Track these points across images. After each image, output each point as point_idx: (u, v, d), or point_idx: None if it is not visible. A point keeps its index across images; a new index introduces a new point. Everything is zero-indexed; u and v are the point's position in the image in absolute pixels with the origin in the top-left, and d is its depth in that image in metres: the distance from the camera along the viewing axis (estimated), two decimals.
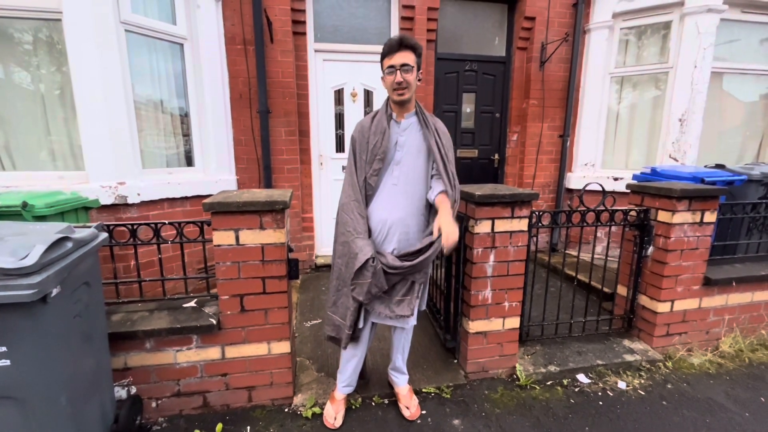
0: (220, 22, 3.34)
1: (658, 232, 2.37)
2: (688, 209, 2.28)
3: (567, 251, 4.24)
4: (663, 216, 2.34)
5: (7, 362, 1.16)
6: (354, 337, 1.80)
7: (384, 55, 1.63)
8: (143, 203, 2.79)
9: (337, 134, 4.02)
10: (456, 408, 2.01)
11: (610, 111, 4.26)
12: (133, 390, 1.84)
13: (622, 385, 2.21)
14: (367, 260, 1.61)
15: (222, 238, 1.77)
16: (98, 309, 1.57)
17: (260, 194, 1.87)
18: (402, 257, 1.66)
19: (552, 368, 2.27)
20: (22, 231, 1.31)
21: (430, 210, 1.80)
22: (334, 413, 1.89)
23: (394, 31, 3.92)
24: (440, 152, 1.69)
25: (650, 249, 2.42)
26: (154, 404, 1.89)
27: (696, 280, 2.42)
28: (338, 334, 1.82)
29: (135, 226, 1.84)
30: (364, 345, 1.87)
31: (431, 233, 1.69)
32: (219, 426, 1.85)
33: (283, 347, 1.95)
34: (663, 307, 2.41)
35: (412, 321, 1.85)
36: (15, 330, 1.14)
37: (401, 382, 2.02)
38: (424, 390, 2.12)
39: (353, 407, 1.98)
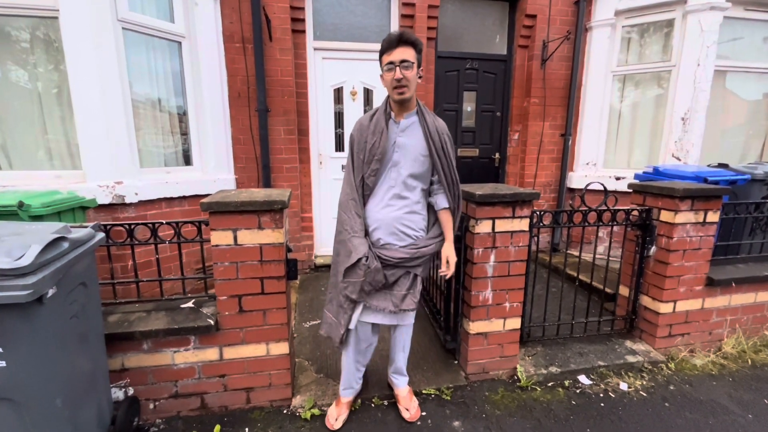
0: (219, 19, 3.34)
1: (661, 232, 2.37)
2: (690, 209, 2.27)
3: (568, 251, 4.23)
4: (665, 216, 2.33)
5: (3, 363, 1.16)
6: (346, 338, 1.80)
7: (383, 51, 1.58)
8: (141, 203, 2.79)
9: (336, 133, 4.01)
10: (456, 409, 2.00)
11: (612, 110, 4.26)
12: (131, 391, 1.84)
13: (624, 386, 2.20)
14: (360, 259, 1.61)
15: (220, 238, 1.76)
16: (95, 310, 1.56)
17: (258, 194, 1.87)
18: (407, 246, 1.68)
19: (553, 369, 2.27)
20: (18, 231, 1.30)
21: (429, 209, 1.80)
22: (336, 415, 1.89)
23: (394, 29, 3.92)
24: (441, 160, 1.67)
25: (652, 249, 2.41)
26: (151, 406, 1.89)
27: (698, 281, 2.42)
28: (330, 333, 1.82)
29: (132, 226, 1.83)
30: (362, 347, 1.87)
31: (434, 237, 1.73)
32: (217, 428, 1.85)
33: (281, 348, 1.94)
34: (665, 308, 2.40)
35: (411, 320, 1.86)
36: (10, 331, 1.14)
37: (401, 384, 2.02)
38: (424, 391, 2.12)
39: (353, 408, 1.98)
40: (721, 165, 3.08)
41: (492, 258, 2.08)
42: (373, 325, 1.84)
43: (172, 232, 1.88)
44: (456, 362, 2.36)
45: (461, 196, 1.78)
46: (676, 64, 3.78)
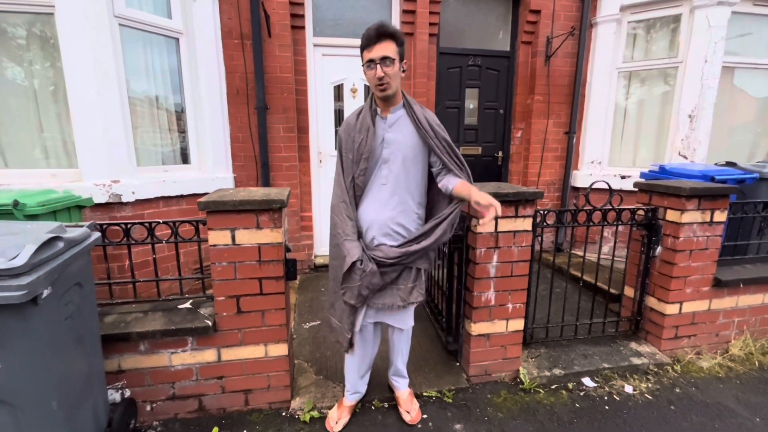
0: (217, 15, 3.34)
1: (667, 231, 2.36)
2: (697, 208, 2.26)
3: (572, 251, 4.22)
4: (672, 215, 2.32)
5: None
6: (351, 341, 1.80)
7: (362, 48, 1.54)
8: (138, 202, 2.79)
9: (336, 131, 4.01)
10: (458, 412, 2.00)
11: (617, 107, 4.24)
12: (127, 393, 1.84)
13: (629, 389, 2.20)
14: (354, 263, 1.59)
15: (218, 237, 1.76)
16: (91, 310, 1.56)
17: (257, 193, 1.87)
18: (402, 245, 1.65)
19: (557, 372, 2.26)
20: (12, 230, 1.30)
21: (424, 208, 1.78)
22: (336, 417, 1.89)
23: (396, 25, 3.90)
24: (437, 143, 1.63)
25: (658, 249, 2.40)
26: (148, 407, 1.89)
27: (705, 282, 2.41)
28: (337, 338, 1.81)
29: (129, 226, 1.83)
30: (368, 349, 1.87)
31: (428, 230, 1.67)
32: (215, 430, 1.85)
33: (280, 350, 1.94)
34: (671, 309, 2.39)
35: (411, 321, 1.85)
36: (4, 332, 1.14)
37: (402, 386, 2.02)
38: (425, 394, 2.12)
39: (353, 411, 1.98)
40: (728, 163, 3.07)
41: (494, 258, 2.07)
42: (375, 325, 1.83)
43: (170, 231, 1.88)
44: (458, 364, 2.35)
45: (471, 175, 1.69)
46: (683, 60, 3.76)
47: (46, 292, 1.19)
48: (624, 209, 2.35)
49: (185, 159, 3.39)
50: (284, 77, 3.55)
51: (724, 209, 2.32)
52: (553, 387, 2.21)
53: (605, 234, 4.09)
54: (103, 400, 1.64)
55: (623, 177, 3.99)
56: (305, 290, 3.53)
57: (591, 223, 2.32)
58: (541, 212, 2.21)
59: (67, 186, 2.48)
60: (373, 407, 2.03)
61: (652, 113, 4.13)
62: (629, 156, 4.29)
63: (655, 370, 2.35)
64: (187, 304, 2.01)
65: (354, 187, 1.67)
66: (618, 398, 2.13)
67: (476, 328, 2.15)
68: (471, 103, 4.37)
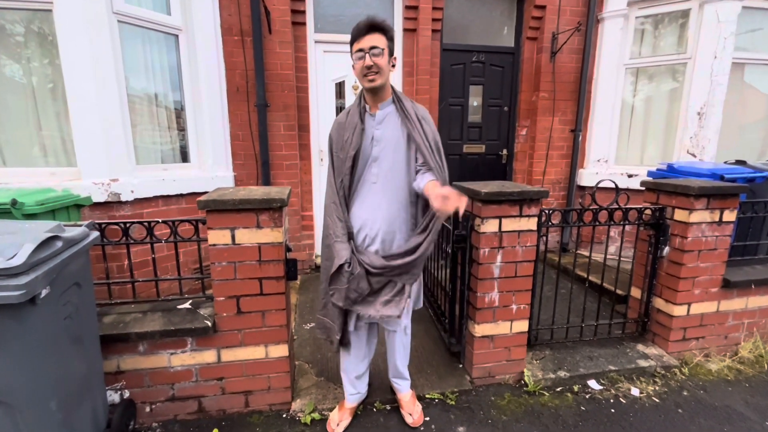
0: (217, 12, 3.34)
1: (675, 231, 2.35)
2: (706, 208, 2.25)
3: (578, 251, 4.21)
4: (680, 215, 2.31)
5: None
6: (344, 342, 1.80)
7: (353, 40, 1.57)
8: (137, 200, 2.81)
9: None
10: (461, 414, 2.00)
11: (624, 104, 4.22)
12: (126, 394, 1.85)
13: (635, 391, 2.19)
14: (342, 265, 1.60)
15: (217, 237, 1.77)
16: (89, 310, 1.57)
17: (257, 191, 1.87)
18: (388, 257, 1.63)
19: (562, 374, 2.26)
20: (11, 229, 1.31)
21: (417, 207, 1.75)
22: (338, 420, 1.89)
23: (398, 22, 3.90)
24: (424, 140, 1.61)
25: (666, 249, 2.39)
26: (147, 409, 1.90)
27: (714, 283, 2.40)
28: (329, 337, 1.82)
29: (128, 225, 1.84)
30: (363, 349, 1.87)
31: (421, 231, 1.66)
32: (215, 431, 1.86)
33: (281, 350, 1.95)
34: (679, 311, 2.38)
35: (404, 321, 1.84)
36: (2, 332, 1.15)
37: (403, 388, 2.02)
38: (427, 396, 2.12)
39: (355, 413, 1.98)
40: (738, 162, 3.05)
41: (498, 258, 2.07)
42: (371, 324, 1.83)
43: (169, 230, 1.89)
44: (461, 366, 2.35)
45: (447, 180, 1.66)
46: (692, 56, 3.74)
47: (44, 292, 1.20)
48: (631, 208, 2.35)
49: (185, 157, 3.40)
50: (285, 74, 3.56)
51: (733, 209, 2.30)
52: (557, 389, 2.20)
53: (612, 234, 4.07)
54: (102, 401, 1.65)
55: (630, 176, 3.98)
56: (306, 290, 3.53)
57: (597, 223, 2.31)
58: (546, 211, 2.20)
59: (66, 185, 2.50)
60: (374, 409, 2.04)
61: (660, 110, 4.11)
62: (636, 154, 4.27)
63: (663, 372, 2.35)
64: (187, 305, 2.02)
65: (344, 187, 1.67)
66: (624, 401, 2.12)
67: (480, 329, 2.15)
68: (475, 100, 4.36)
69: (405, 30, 3.87)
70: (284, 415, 1.98)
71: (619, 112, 4.22)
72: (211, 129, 3.37)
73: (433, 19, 3.80)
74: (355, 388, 1.93)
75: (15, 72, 2.72)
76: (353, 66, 1.62)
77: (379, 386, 2.15)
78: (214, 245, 1.77)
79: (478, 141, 4.44)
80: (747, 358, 2.49)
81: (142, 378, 1.86)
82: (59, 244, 1.32)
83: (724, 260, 2.38)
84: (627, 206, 2.34)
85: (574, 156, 4.29)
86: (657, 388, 2.23)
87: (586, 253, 4.15)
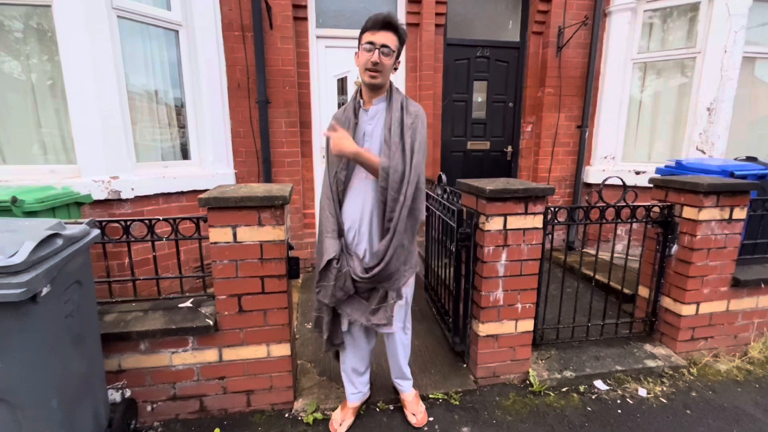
0: (217, 7, 3.34)
1: (683, 229, 2.33)
2: (715, 205, 2.24)
3: (584, 250, 4.19)
4: (688, 212, 2.30)
5: None
6: (337, 342, 1.80)
7: (365, 29, 1.54)
8: (137, 198, 2.82)
9: None
10: (465, 415, 2.00)
11: (632, 100, 4.20)
12: (128, 393, 1.87)
13: (642, 392, 2.19)
14: (330, 261, 1.60)
15: (218, 235, 1.77)
16: (90, 309, 1.58)
17: (258, 189, 1.88)
18: (367, 268, 1.62)
19: (567, 374, 2.26)
20: (11, 227, 1.32)
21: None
22: (340, 419, 1.89)
23: (401, 16, 3.89)
24: (391, 135, 1.56)
25: (674, 248, 2.38)
26: (149, 408, 1.91)
27: (723, 281, 2.38)
28: (322, 335, 1.82)
29: (128, 223, 1.85)
30: (360, 348, 1.86)
31: (383, 236, 1.62)
32: (216, 431, 1.86)
33: (283, 350, 1.95)
34: (687, 310, 2.37)
35: (398, 324, 1.82)
36: (3, 330, 1.15)
37: (407, 388, 2.02)
38: (431, 396, 2.12)
39: (358, 413, 1.99)
40: (749, 158, 3.03)
41: (503, 256, 2.07)
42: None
43: (170, 228, 1.90)
44: (465, 365, 2.35)
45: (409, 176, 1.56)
46: (702, 50, 3.71)
47: (45, 290, 1.21)
48: (639, 206, 2.33)
49: (185, 155, 3.41)
50: (286, 70, 3.56)
51: (743, 206, 2.29)
52: (563, 390, 2.20)
53: (619, 232, 4.06)
54: (104, 400, 1.66)
55: (638, 173, 3.96)
56: (308, 289, 3.54)
57: (604, 221, 2.30)
58: (552, 209, 2.19)
59: (66, 182, 2.51)
60: (377, 409, 2.04)
61: (668, 106, 4.08)
62: (644, 151, 4.25)
63: (671, 372, 2.34)
64: (188, 303, 2.03)
65: (337, 182, 1.68)
66: (631, 402, 2.12)
67: (484, 328, 2.14)
68: (479, 96, 4.35)
69: (408, 24, 3.86)
70: (286, 415, 1.99)
71: (627, 107, 4.19)
72: (212, 126, 3.38)
73: (437, 14, 3.79)
74: (355, 388, 1.93)
75: (14, 69, 2.73)
76: (356, 54, 1.61)
77: (382, 386, 2.16)
78: (216, 243, 1.78)
79: (482, 137, 4.43)
80: (757, 358, 2.48)
81: (143, 377, 1.87)
82: (60, 241, 1.32)
83: (733, 259, 2.37)
84: (635, 204, 2.33)
85: (581, 153, 4.27)
86: (665, 388, 2.22)
87: (593, 252, 4.13)
